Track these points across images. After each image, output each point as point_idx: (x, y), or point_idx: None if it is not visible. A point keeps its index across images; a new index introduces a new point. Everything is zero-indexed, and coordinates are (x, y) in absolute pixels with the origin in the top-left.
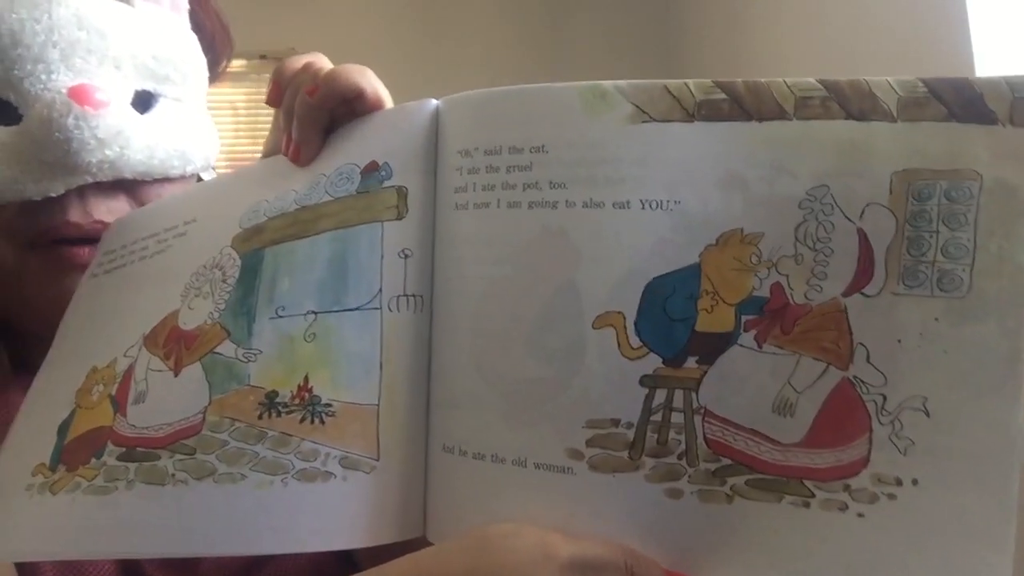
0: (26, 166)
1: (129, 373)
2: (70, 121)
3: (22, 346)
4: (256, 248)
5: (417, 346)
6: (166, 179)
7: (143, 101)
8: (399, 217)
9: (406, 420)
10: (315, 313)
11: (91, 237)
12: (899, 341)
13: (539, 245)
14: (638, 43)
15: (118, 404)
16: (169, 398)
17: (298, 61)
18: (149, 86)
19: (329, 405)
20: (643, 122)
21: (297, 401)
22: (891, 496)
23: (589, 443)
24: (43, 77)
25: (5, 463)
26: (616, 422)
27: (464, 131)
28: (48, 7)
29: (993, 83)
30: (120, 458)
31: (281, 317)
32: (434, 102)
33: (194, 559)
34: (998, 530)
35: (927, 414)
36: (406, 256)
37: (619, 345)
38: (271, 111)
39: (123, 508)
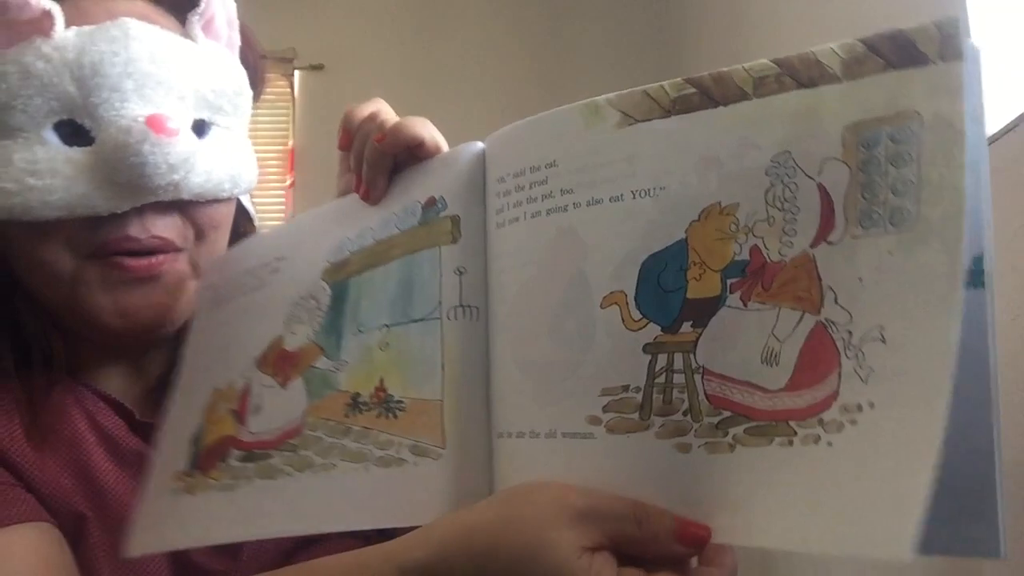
0: (98, 184)
1: (246, 391)
2: (146, 147)
3: (71, 349)
4: (343, 279)
5: (474, 349)
6: (216, 200)
7: (199, 129)
8: (454, 241)
9: (467, 413)
10: (388, 326)
11: (147, 251)
12: (860, 279)
13: (555, 245)
14: (638, 42)
15: (239, 416)
16: (278, 407)
17: (363, 110)
18: (205, 116)
19: (400, 402)
20: (629, 125)
21: (375, 400)
22: (853, 422)
23: (605, 409)
24: (117, 105)
25: (157, 475)
26: (626, 388)
27: (499, 161)
28: (125, 42)
29: (923, 28)
30: (241, 460)
31: (362, 332)
32: (480, 144)
33: (236, 548)
34: (929, 441)
35: (883, 341)
36: (460, 273)
37: (623, 320)
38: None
39: (243, 500)
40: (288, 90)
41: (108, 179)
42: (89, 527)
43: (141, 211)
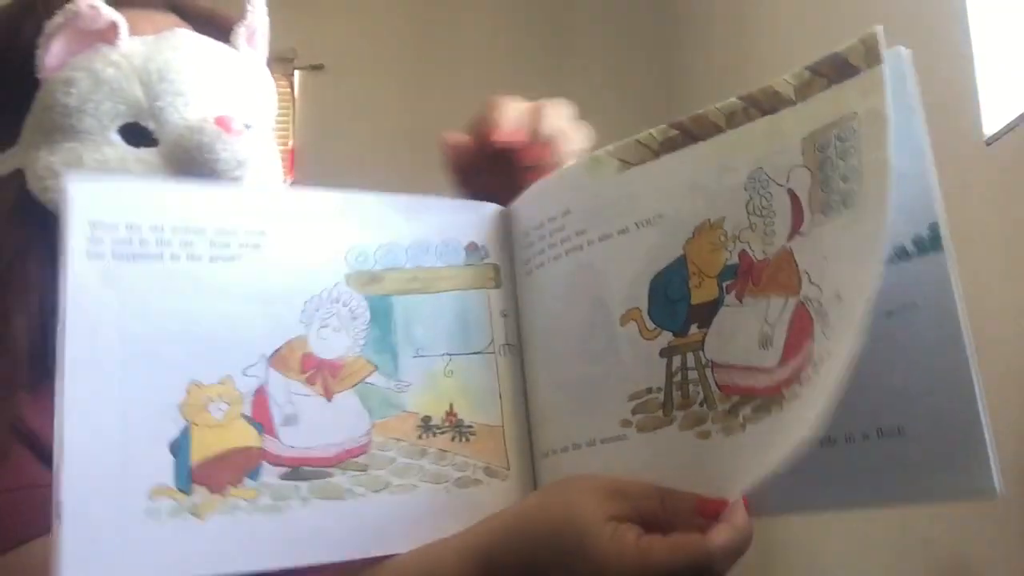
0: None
1: (262, 394)
2: (218, 145)
3: None
4: (381, 295)
5: (518, 381)
6: None
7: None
8: (497, 286)
9: (520, 437)
10: (450, 355)
11: None
12: (825, 257)
13: (576, 278)
14: (638, 43)
15: (262, 426)
16: (328, 420)
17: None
18: (249, 119)
19: (470, 426)
20: (627, 169)
21: (447, 424)
22: (816, 372)
23: (634, 411)
24: (181, 108)
25: (86, 486)
26: (649, 390)
27: (522, 219)
28: (185, 49)
29: (851, 46)
30: (285, 477)
31: (422, 357)
32: (505, 208)
33: None
34: (848, 352)
35: (840, 299)
36: (504, 316)
37: (640, 332)
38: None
39: (301, 522)
40: (288, 90)
41: (179, 175)
42: None
43: None
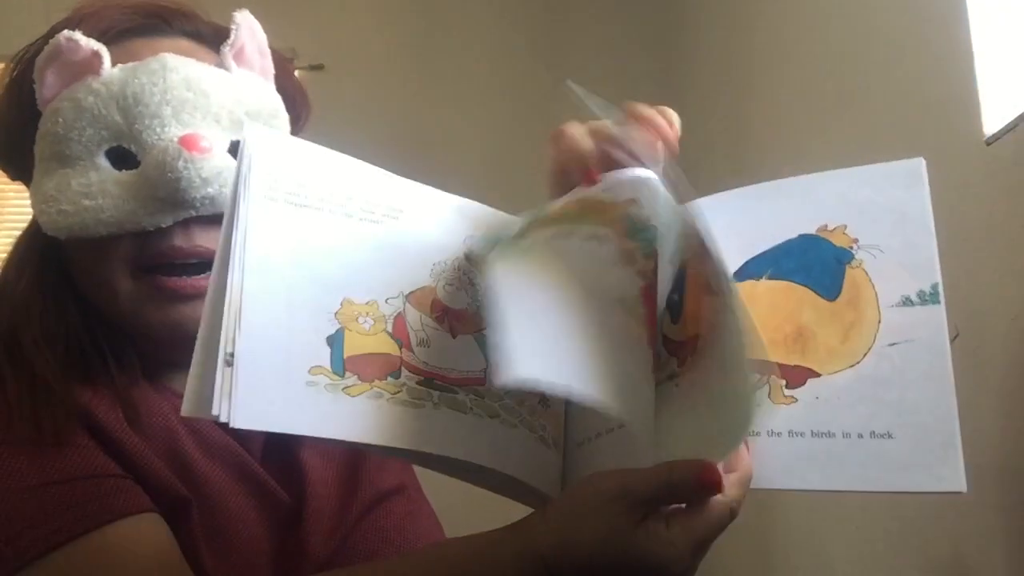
0: (142, 202)
1: (401, 319)
2: (180, 163)
3: (148, 357)
4: None
5: None
6: None
7: (238, 149)
8: None
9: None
10: None
11: (191, 261)
12: None
13: None
14: (639, 42)
15: (401, 341)
16: (452, 351)
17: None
18: (239, 136)
19: (547, 400)
20: None
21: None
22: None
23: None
24: (158, 130)
25: (258, 351)
26: None
27: None
28: (163, 73)
29: None
30: (420, 384)
31: None
32: None
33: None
34: None
35: None
36: None
37: None
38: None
39: (435, 420)
40: None
41: (151, 196)
42: (192, 511)
43: (186, 226)
